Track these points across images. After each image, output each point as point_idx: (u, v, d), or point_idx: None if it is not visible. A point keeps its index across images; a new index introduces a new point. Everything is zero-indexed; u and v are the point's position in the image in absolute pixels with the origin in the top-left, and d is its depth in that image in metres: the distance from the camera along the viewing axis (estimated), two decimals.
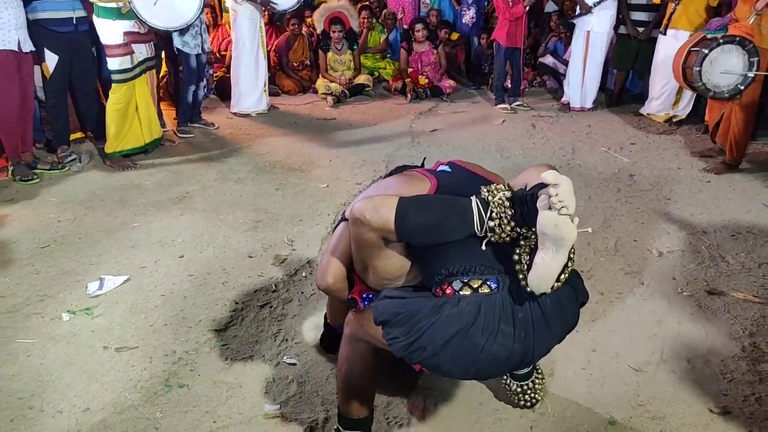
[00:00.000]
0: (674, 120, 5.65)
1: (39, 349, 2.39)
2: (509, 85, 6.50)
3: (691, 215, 3.64)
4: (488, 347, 1.46)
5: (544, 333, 1.52)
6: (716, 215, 3.64)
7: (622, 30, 6.11)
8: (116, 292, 2.80)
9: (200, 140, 5.20)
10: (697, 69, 3.99)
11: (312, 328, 2.53)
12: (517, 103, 6.37)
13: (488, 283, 1.49)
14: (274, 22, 7.22)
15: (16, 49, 3.91)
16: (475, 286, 1.48)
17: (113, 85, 4.32)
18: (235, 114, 5.96)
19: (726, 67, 3.95)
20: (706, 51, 3.95)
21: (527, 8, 6.05)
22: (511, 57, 6.24)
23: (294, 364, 2.30)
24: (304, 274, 2.98)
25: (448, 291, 1.50)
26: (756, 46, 3.89)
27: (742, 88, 3.96)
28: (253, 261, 3.12)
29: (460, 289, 1.48)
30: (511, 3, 5.96)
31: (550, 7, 7.61)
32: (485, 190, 1.54)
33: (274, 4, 5.75)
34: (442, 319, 1.46)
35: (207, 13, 6.50)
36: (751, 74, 3.90)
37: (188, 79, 5.27)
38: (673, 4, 5.28)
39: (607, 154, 4.87)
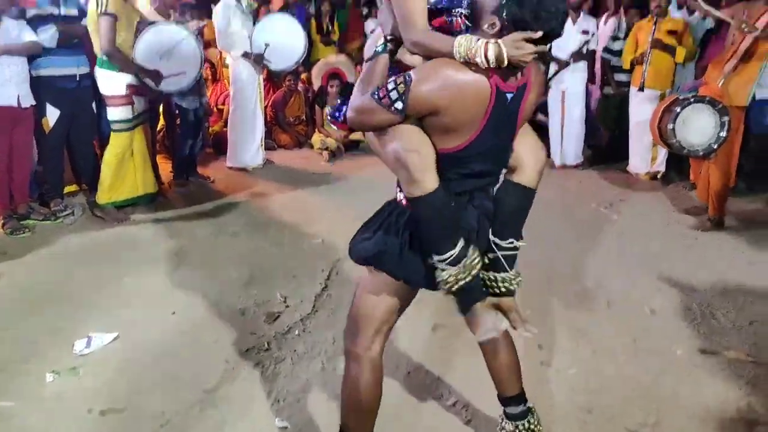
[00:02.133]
0: (658, 176, 5.78)
1: (21, 411, 2.33)
2: None
3: (681, 272, 3.67)
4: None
5: None
6: (705, 273, 3.67)
7: (607, 90, 6.31)
8: (104, 351, 2.77)
9: (195, 194, 5.23)
10: (671, 127, 4.15)
11: (305, 389, 2.50)
12: None
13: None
14: (272, 78, 7.37)
15: (15, 104, 3.98)
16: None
17: (113, 134, 4.39)
18: (231, 168, 6.03)
19: (699, 126, 4.11)
20: (678, 109, 4.12)
21: None
22: None
23: (285, 428, 2.26)
24: (296, 332, 2.96)
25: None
26: (726, 106, 4.04)
27: (716, 147, 4.09)
28: (246, 318, 3.10)
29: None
30: None
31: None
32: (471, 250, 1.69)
33: (268, 62, 5.89)
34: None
35: (206, 69, 6.66)
36: (723, 133, 4.04)
37: (186, 133, 5.35)
38: (642, 67, 5.47)
39: (597, 211, 4.94)
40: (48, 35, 4.11)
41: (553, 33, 1.51)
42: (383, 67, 1.69)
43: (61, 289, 3.39)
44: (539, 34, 1.48)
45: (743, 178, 5.13)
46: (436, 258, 1.65)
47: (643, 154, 5.80)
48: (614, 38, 6.19)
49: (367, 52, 1.84)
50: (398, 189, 1.76)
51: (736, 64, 4.13)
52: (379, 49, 1.70)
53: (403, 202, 1.73)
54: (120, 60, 4.25)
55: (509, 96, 1.61)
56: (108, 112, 4.39)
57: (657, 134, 4.36)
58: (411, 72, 1.57)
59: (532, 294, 3.41)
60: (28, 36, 4.03)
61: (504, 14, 1.50)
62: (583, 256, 3.96)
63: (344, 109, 1.79)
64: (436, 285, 1.68)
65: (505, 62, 1.51)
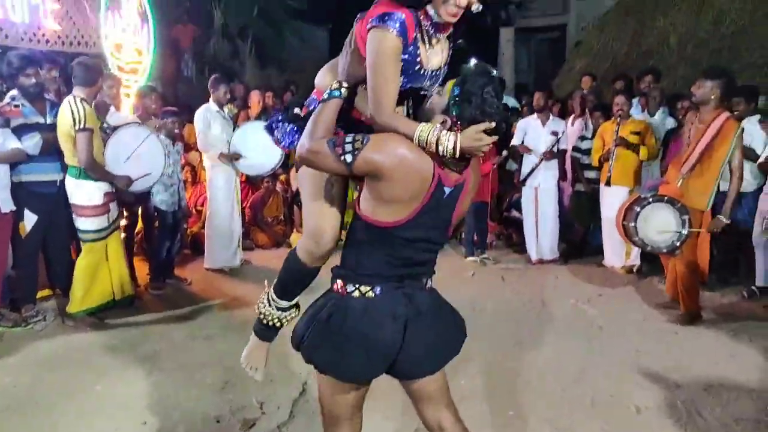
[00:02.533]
0: (634, 269, 5.87)
1: None
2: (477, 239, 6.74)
3: (664, 368, 3.65)
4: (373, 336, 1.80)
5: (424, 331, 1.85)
6: (687, 368, 3.66)
7: (579, 187, 6.54)
8: None
9: (171, 296, 5.16)
10: (632, 225, 4.32)
11: None
12: (484, 256, 6.56)
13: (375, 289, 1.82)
14: (251, 179, 7.50)
15: None
16: (364, 291, 1.83)
17: (86, 245, 4.34)
18: (208, 269, 5.99)
19: (660, 224, 4.27)
20: (638, 209, 4.31)
21: (495, 165, 6.49)
22: (478, 211, 6.55)
23: None
24: None
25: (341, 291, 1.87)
26: (684, 205, 4.21)
27: (678, 244, 4.23)
28: (221, 426, 2.98)
29: (352, 292, 1.84)
30: (481, 160, 6.36)
31: (511, 165, 8.10)
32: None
33: (245, 157, 5.99)
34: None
35: (186, 171, 6.76)
36: (684, 231, 4.18)
37: (164, 236, 5.35)
38: (608, 164, 5.74)
39: (575, 306, 4.96)
40: (32, 143, 4.18)
41: (499, 129, 1.71)
42: (334, 110, 1.88)
43: (29, 397, 3.24)
44: (494, 123, 1.68)
45: (716, 270, 5.24)
46: (273, 295, 2.19)
47: (617, 249, 5.93)
48: (582, 138, 6.51)
49: (318, 80, 2.09)
50: (337, 281, 1.92)
51: (692, 165, 4.34)
52: (335, 93, 1.88)
53: (340, 291, 1.89)
54: (99, 171, 4.28)
55: (447, 190, 1.79)
56: (80, 222, 4.32)
57: (622, 231, 4.52)
58: (371, 135, 1.74)
59: (514, 393, 3.37)
60: (13, 144, 4.08)
61: (453, 113, 1.71)
62: (563, 354, 3.94)
63: (284, 128, 2.13)
64: (368, 377, 1.93)
65: (458, 154, 1.69)
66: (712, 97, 4.28)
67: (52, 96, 4.60)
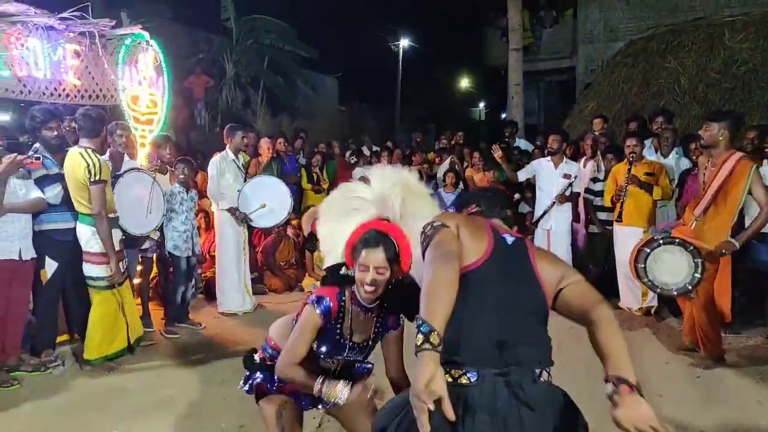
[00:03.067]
0: (651, 311, 5.80)
1: None
2: None
3: (688, 414, 3.56)
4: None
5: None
6: (713, 414, 3.56)
7: (593, 229, 6.52)
8: None
9: (186, 341, 5.16)
10: (642, 266, 4.25)
11: None
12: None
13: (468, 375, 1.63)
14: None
15: (16, 258, 4.05)
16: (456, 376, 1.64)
17: (101, 292, 4.38)
18: (222, 314, 6.00)
19: (672, 267, 4.20)
20: (648, 250, 4.23)
21: None
22: None
23: None
24: None
25: None
26: (697, 247, 4.14)
27: (690, 287, 4.14)
28: None
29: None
30: None
31: (523, 207, 8.13)
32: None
33: (251, 221, 6.11)
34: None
35: (200, 218, 6.84)
36: (697, 275, 4.10)
37: (178, 281, 5.39)
38: (619, 204, 5.73)
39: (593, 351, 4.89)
40: (54, 193, 4.29)
41: None
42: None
43: None
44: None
45: (739, 312, 5.12)
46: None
47: (633, 290, 5.87)
48: (594, 179, 6.52)
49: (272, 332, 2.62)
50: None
51: (705, 207, 4.29)
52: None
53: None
54: (105, 225, 4.29)
55: (509, 239, 1.95)
56: (94, 269, 4.35)
57: (634, 271, 4.46)
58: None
59: None
60: (35, 194, 4.18)
61: None
62: (582, 399, 3.86)
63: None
64: None
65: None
66: (721, 138, 4.27)
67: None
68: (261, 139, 7.92)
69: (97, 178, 4.19)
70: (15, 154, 4.02)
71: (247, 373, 2.60)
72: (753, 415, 3.54)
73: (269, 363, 2.49)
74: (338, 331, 2.32)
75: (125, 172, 4.84)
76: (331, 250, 2.51)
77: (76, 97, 5.30)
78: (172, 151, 5.52)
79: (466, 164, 8.95)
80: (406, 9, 22.85)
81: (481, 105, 29.58)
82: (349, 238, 2.33)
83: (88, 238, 4.35)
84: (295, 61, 14.77)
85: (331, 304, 2.29)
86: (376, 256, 2.19)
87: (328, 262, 2.50)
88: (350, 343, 2.35)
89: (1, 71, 4.70)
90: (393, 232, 2.27)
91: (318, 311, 2.28)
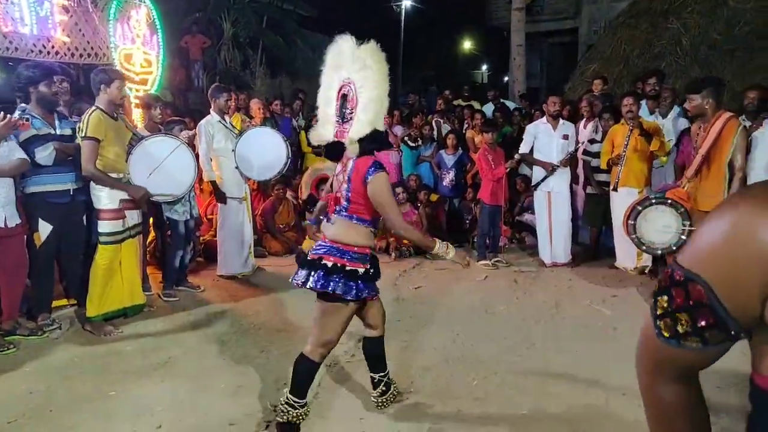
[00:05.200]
0: (646, 270, 5.82)
1: None
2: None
3: None
4: None
5: None
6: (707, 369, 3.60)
7: (590, 190, 6.49)
8: None
9: (185, 303, 5.17)
10: (632, 223, 4.30)
11: None
12: (497, 259, 6.53)
13: None
14: (261, 187, 7.54)
15: (1, 225, 4.01)
16: None
17: (100, 246, 4.38)
18: (221, 276, 6.01)
19: (661, 226, 4.24)
20: (640, 208, 4.27)
21: (508, 169, 6.49)
22: (492, 215, 6.53)
23: None
24: None
25: None
26: (688, 210, 4.17)
27: (675, 248, 4.19)
28: (235, 428, 2.99)
29: None
30: (493, 165, 6.38)
31: (524, 168, 8.09)
32: None
33: (254, 176, 6.03)
34: None
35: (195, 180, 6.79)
36: (684, 237, 4.14)
37: (176, 245, 5.37)
38: (618, 168, 5.69)
39: (589, 307, 4.92)
40: (46, 154, 4.21)
41: None
42: None
43: (45, 404, 3.27)
44: None
45: None
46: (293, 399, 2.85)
47: (629, 250, 5.86)
48: (591, 141, 6.47)
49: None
50: None
51: (696, 168, 4.31)
52: None
53: None
54: (102, 179, 4.29)
55: None
56: (98, 224, 4.40)
57: (625, 228, 4.52)
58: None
59: (528, 394, 3.34)
60: (18, 155, 4.08)
61: None
62: (578, 355, 3.90)
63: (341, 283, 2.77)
64: None
65: None
66: (707, 106, 4.31)
67: (62, 108, 4.65)
68: (251, 100, 7.81)
69: (84, 134, 4.13)
70: (9, 116, 3.93)
71: (350, 284, 2.76)
72: (736, 364, 3.57)
73: (349, 268, 2.75)
74: None
75: (150, 136, 4.78)
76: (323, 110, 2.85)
77: (66, 55, 5.21)
78: (163, 111, 5.38)
79: (466, 126, 8.88)
80: None
81: (484, 67, 29.21)
82: None
83: (94, 195, 4.35)
84: (294, 21, 14.52)
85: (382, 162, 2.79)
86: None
87: (320, 126, 2.85)
88: None
89: None
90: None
91: (386, 173, 2.72)
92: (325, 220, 2.96)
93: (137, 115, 5.78)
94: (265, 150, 5.96)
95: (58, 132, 4.34)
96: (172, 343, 4.21)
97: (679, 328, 0.88)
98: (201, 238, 6.88)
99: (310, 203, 7.24)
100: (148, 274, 5.46)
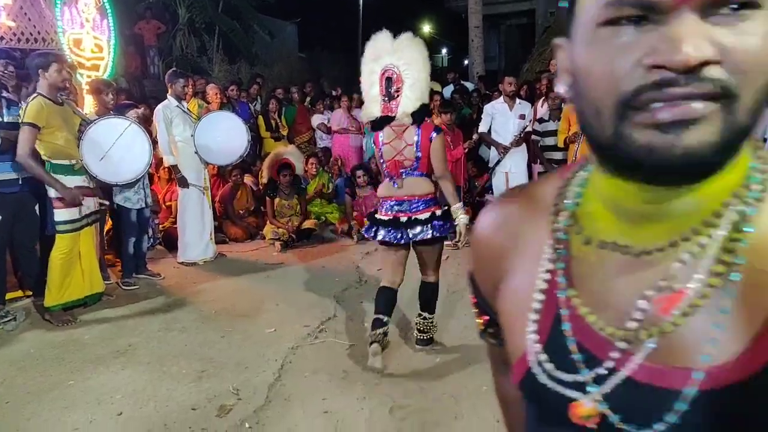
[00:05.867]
0: None
1: None
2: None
3: None
4: None
5: None
6: None
7: (540, 168, 6.60)
8: None
9: (145, 291, 5.11)
10: None
11: None
12: (457, 240, 6.60)
13: None
14: (220, 173, 7.46)
15: None
16: None
17: (57, 236, 4.28)
18: (181, 263, 5.94)
19: None
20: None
21: (466, 150, 6.55)
22: None
23: None
24: (248, 425, 2.86)
25: None
26: None
27: None
28: (197, 413, 2.98)
29: None
30: (452, 146, 6.43)
31: (484, 151, 8.17)
32: None
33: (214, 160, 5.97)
34: None
35: (152, 166, 6.67)
36: None
37: (129, 233, 5.26)
38: (575, 145, 5.80)
39: None
40: None
41: None
42: None
43: (1, 397, 3.20)
44: None
45: None
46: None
47: None
48: (540, 120, 6.52)
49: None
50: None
51: None
52: None
53: None
54: (32, 168, 4.12)
55: None
56: (54, 213, 4.29)
57: None
58: None
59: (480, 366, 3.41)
60: None
61: None
62: None
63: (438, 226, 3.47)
64: None
65: None
66: None
67: (11, 94, 4.50)
68: (207, 85, 7.70)
69: (22, 119, 4.01)
70: None
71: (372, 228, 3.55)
72: None
73: (438, 213, 3.47)
74: None
75: (99, 119, 4.66)
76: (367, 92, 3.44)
77: (12, 40, 5.05)
78: (116, 96, 5.24)
79: None
80: None
81: (444, 51, 29.23)
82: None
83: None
84: (251, 6, 14.29)
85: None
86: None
87: (368, 106, 3.47)
88: None
89: None
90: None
91: (442, 135, 3.44)
92: (389, 182, 3.51)
93: (89, 101, 5.63)
94: (226, 135, 5.92)
95: (5, 119, 4.21)
96: (133, 331, 4.16)
97: (480, 323, 0.87)
98: (160, 225, 6.78)
99: (270, 188, 7.20)
100: (107, 263, 5.37)
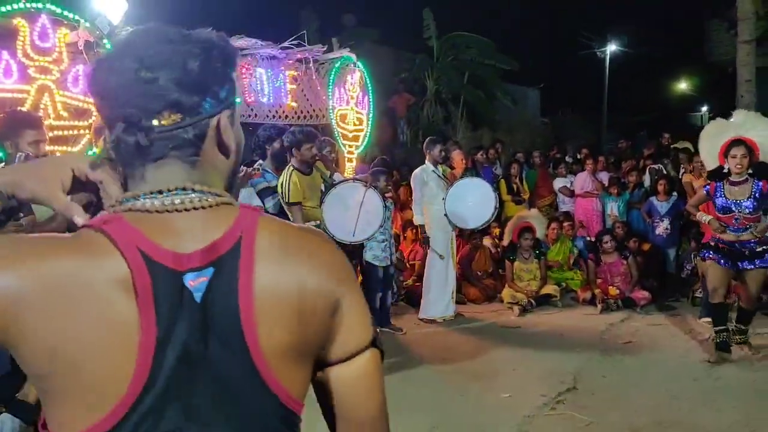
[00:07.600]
0: None
1: None
2: None
3: None
4: None
5: None
6: None
7: None
8: None
9: (386, 343, 5.35)
10: None
11: None
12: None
13: None
14: (461, 234, 7.66)
15: None
16: None
17: None
18: (422, 320, 6.18)
19: None
20: None
21: None
22: None
23: None
24: None
25: None
26: None
27: None
28: None
29: None
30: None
31: None
32: None
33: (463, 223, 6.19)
34: None
35: (397, 228, 7.14)
36: None
37: (374, 288, 5.62)
38: None
39: None
40: (273, 203, 4.68)
41: None
42: None
43: None
44: None
45: None
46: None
47: None
48: None
49: None
50: None
51: None
52: None
53: None
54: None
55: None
56: None
57: None
58: None
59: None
60: (255, 202, 4.64)
61: None
62: None
63: None
64: None
65: None
66: None
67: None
68: (453, 151, 8.06)
69: (287, 200, 4.55)
70: (246, 169, 4.57)
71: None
72: None
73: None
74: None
75: (341, 182, 5.19)
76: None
77: (294, 117, 5.95)
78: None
79: (683, 170, 8.19)
80: (612, 10, 21.66)
81: (704, 109, 26.69)
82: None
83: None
84: (495, 75, 14.80)
85: None
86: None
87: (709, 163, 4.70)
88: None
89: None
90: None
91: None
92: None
93: (349, 169, 6.33)
94: (476, 200, 6.17)
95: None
96: None
97: None
98: (404, 282, 7.16)
99: (510, 251, 7.17)
100: None
